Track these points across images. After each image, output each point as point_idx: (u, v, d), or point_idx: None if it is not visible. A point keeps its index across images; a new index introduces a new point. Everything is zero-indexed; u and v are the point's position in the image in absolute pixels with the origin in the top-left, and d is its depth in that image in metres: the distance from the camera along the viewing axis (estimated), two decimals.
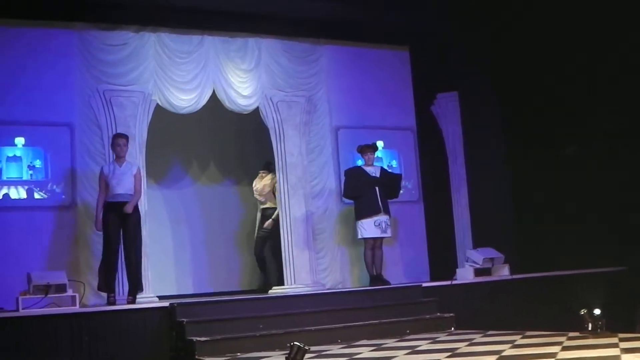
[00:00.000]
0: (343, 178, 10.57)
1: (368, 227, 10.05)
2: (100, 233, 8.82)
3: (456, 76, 11.60)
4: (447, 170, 11.88)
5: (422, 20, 11.09)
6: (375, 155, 10.53)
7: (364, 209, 10.08)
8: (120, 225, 8.73)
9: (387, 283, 10.02)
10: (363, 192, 10.10)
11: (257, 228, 11.02)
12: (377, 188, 10.09)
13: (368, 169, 10.23)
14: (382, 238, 10.17)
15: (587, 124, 10.94)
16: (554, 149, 11.24)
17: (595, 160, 10.92)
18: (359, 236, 10.16)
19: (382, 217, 10.06)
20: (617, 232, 10.41)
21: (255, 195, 11.11)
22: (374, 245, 10.14)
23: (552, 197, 10.95)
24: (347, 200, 10.72)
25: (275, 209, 10.83)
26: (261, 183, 11.03)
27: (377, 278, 10.08)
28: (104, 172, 8.82)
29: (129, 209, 8.71)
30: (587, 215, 10.61)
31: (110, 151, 9.21)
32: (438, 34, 11.39)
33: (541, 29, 10.74)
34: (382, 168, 10.57)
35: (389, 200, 10.24)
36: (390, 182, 10.38)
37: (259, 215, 11.06)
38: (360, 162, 10.56)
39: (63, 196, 9.57)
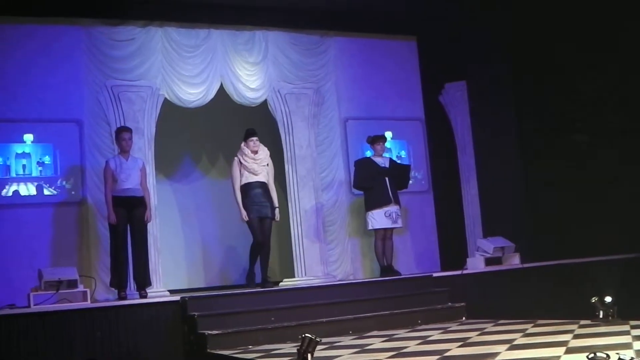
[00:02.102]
0: (353, 169, 10.55)
1: (378, 218, 10.03)
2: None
3: (464, 65, 11.54)
4: (456, 160, 11.85)
5: (429, 9, 11.04)
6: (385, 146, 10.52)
7: (374, 200, 10.06)
8: (128, 219, 8.76)
9: (398, 274, 10.02)
10: (373, 183, 10.07)
11: (251, 203, 9.25)
12: (387, 179, 10.06)
13: (377, 160, 10.20)
14: (392, 229, 10.16)
15: (600, 112, 10.86)
16: (564, 136, 11.18)
17: (606, 147, 10.85)
18: (369, 227, 10.14)
19: (393, 208, 10.04)
20: (629, 219, 10.36)
21: (248, 164, 9.28)
22: (384, 236, 10.12)
23: (562, 185, 10.90)
24: (357, 192, 10.72)
25: (266, 184, 9.48)
26: (263, 151, 9.48)
27: (387, 269, 10.08)
28: (111, 166, 8.77)
29: (149, 218, 8.92)
30: (597, 203, 10.56)
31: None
32: (445, 23, 11.33)
33: (553, 16, 10.64)
34: (391, 159, 10.56)
35: (398, 191, 10.23)
36: (399, 172, 10.35)
37: (239, 192, 9.28)
38: (369, 153, 10.54)
39: (72, 192, 9.62)
